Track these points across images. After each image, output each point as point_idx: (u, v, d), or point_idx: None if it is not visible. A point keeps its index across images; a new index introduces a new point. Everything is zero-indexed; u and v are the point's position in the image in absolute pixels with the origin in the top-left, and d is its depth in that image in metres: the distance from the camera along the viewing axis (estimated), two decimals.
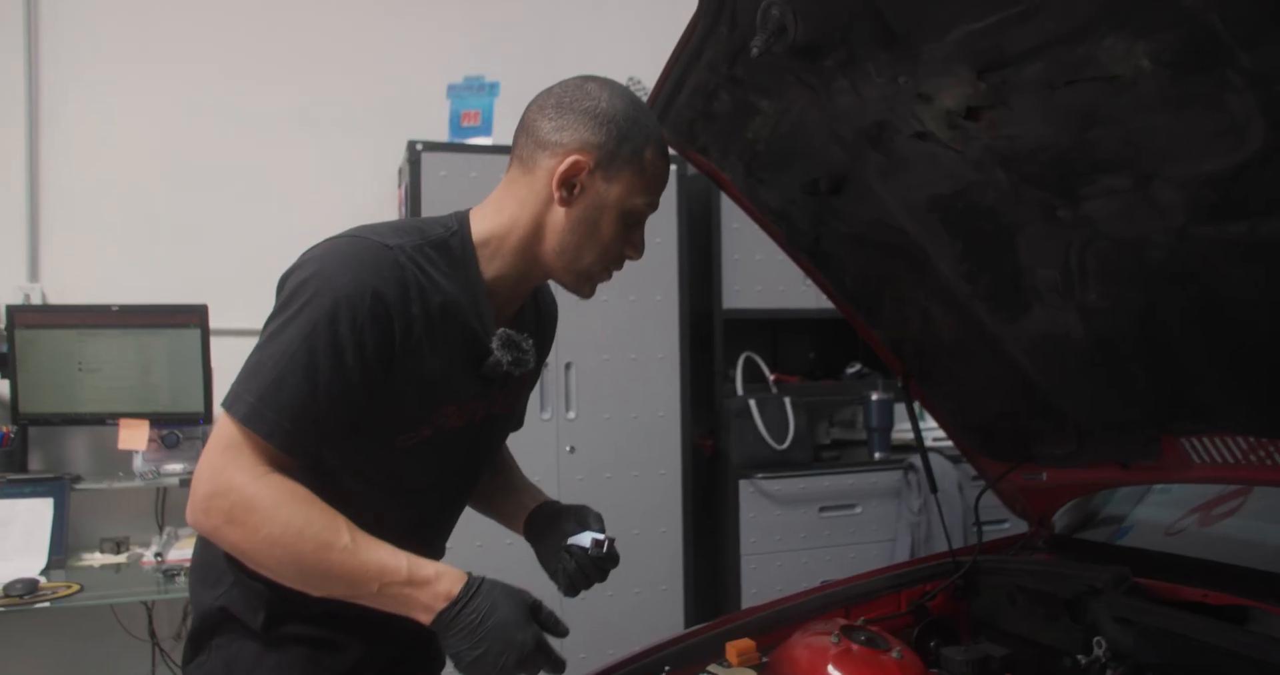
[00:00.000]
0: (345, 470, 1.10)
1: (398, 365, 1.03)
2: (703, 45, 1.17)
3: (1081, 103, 0.91)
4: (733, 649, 1.33)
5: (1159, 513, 1.69)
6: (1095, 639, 1.29)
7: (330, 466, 1.09)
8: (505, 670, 0.96)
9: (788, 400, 2.99)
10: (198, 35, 2.87)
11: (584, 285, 1.15)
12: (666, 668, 1.32)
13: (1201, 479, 1.37)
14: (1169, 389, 1.20)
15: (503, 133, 2.86)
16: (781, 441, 2.92)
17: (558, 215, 1.10)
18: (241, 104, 2.91)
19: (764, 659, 1.33)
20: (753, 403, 2.93)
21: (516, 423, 1.35)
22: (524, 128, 1.11)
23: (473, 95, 2.76)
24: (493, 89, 2.81)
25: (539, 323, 1.29)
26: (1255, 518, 1.55)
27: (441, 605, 0.95)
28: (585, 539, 1.18)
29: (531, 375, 1.28)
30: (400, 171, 2.92)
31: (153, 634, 2.55)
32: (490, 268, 1.12)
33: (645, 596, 2.75)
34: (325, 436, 1.01)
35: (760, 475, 2.88)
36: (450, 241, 1.10)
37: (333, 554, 0.95)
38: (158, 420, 2.42)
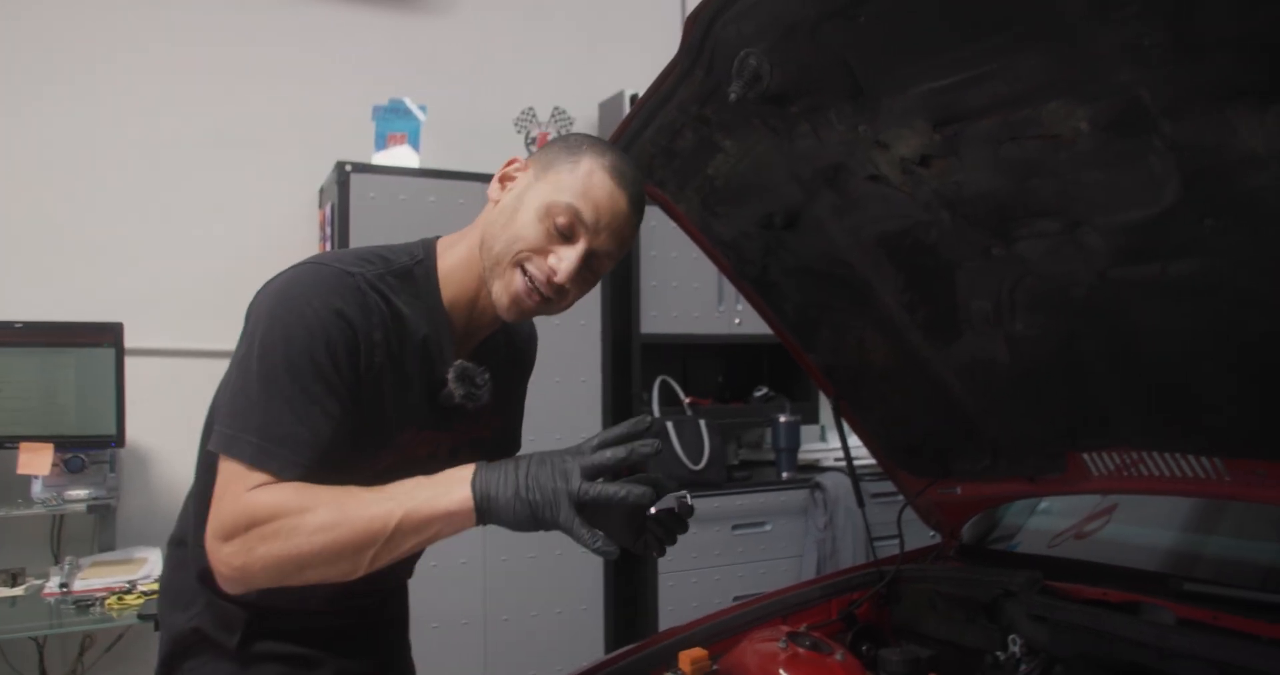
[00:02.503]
0: None
1: (362, 387, 1.03)
2: (677, 86, 1.25)
3: (1024, 156, 1.04)
4: (685, 658, 1.38)
5: (1049, 522, 1.87)
6: (1010, 637, 1.40)
7: None
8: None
9: (703, 422, 3.09)
10: (111, 49, 2.76)
11: (495, 281, 1.07)
12: None
13: (1099, 490, 1.53)
14: (1080, 409, 1.35)
15: (429, 155, 2.87)
16: (697, 462, 3.01)
17: (490, 214, 1.11)
18: (155, 121, 2.81)
19: (715, 666, 1.40)
20: (670, 424, 3.02)
21: (505, 445, 1.36)
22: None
23: (398, 118, 2.77)
24: (421, 111, 2.83)
25: (512, 350, 1.31)
26: (1125, 523, 1.74)
27: (468, 475, 0.93)
28: (670, 501, 1.12)
29: (508, 400, 1.31)
30: (322, 191, 2.88)
31: (44, 674, 2.40)
32: (449, 294, 1.13)
33: (567, 617, 2.78)
34: (328, 460, 0.99)
35: None
36: (415, 270, 1.11)
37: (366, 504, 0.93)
38: (63, 443, 2.30)
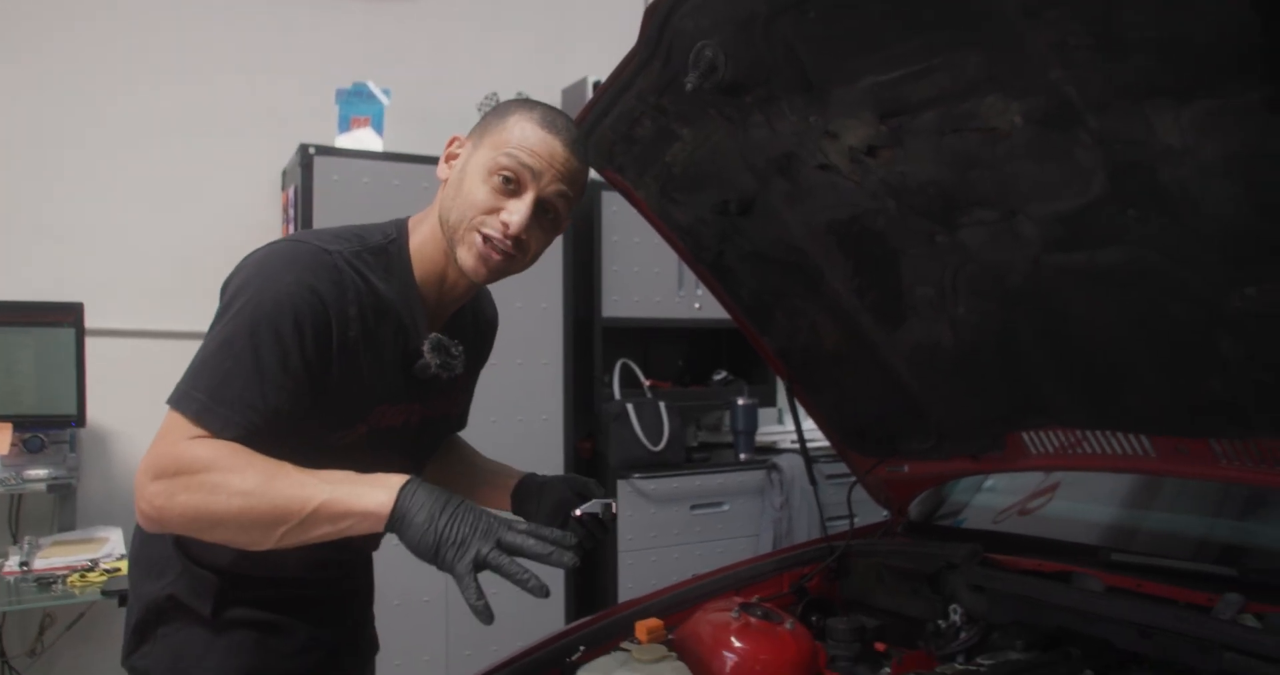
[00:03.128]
0: None
1: (336, 363, 1.07)
2: (636, 76, 1.28)
3: (964, 148, 1.09)
4: (642, 627, 1.42)
5: (994, 500, 1.95)
6: (951, 606, 1.47)
7: None
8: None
9: (663, 404, 3.14)
10: (74, 30, 2.72)
11: (458, 248, 1.12)
12: (581, 647, 1.40)
13: (1037, 467, 1.60)
14: (1019, 390, 1.42)
15: (393, 139, 2.88)
16: (657, 443, 3.07)
17: (442, 192, 1.17)
18: (117, 102, 2.78)
19: (670, 636, 1.45)
20: (630, 407, 3.07)
21: (458, 424, 1.40)
22: None
23: (362, 101, 2.77)
24: (385, 95, 2.83)
25: (477, 330, 1.35)
26: (1065, 500, 1.83)
27: (399, 483, 0.95)
28: (596, 506, 1.20)
29: (468, 378, 1.35)
30: (285, 174, 2.88)
31: (2, 652, 2.40)
32: (420, 270, 1.17)
33: (528, 594, 2.82)
34: (275, 431, 1.02)
35: (637, 475, 3.02)
36: (389, 248, 1.15)
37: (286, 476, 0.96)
38: (22, 423, 2.28)
